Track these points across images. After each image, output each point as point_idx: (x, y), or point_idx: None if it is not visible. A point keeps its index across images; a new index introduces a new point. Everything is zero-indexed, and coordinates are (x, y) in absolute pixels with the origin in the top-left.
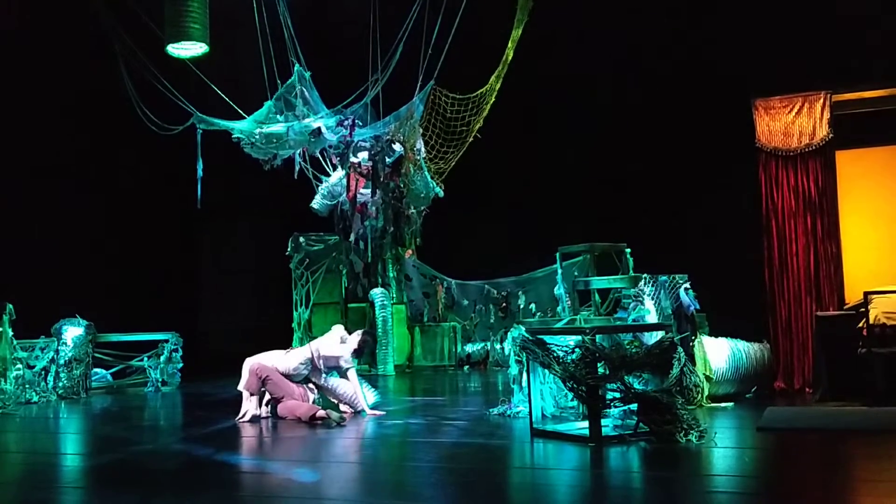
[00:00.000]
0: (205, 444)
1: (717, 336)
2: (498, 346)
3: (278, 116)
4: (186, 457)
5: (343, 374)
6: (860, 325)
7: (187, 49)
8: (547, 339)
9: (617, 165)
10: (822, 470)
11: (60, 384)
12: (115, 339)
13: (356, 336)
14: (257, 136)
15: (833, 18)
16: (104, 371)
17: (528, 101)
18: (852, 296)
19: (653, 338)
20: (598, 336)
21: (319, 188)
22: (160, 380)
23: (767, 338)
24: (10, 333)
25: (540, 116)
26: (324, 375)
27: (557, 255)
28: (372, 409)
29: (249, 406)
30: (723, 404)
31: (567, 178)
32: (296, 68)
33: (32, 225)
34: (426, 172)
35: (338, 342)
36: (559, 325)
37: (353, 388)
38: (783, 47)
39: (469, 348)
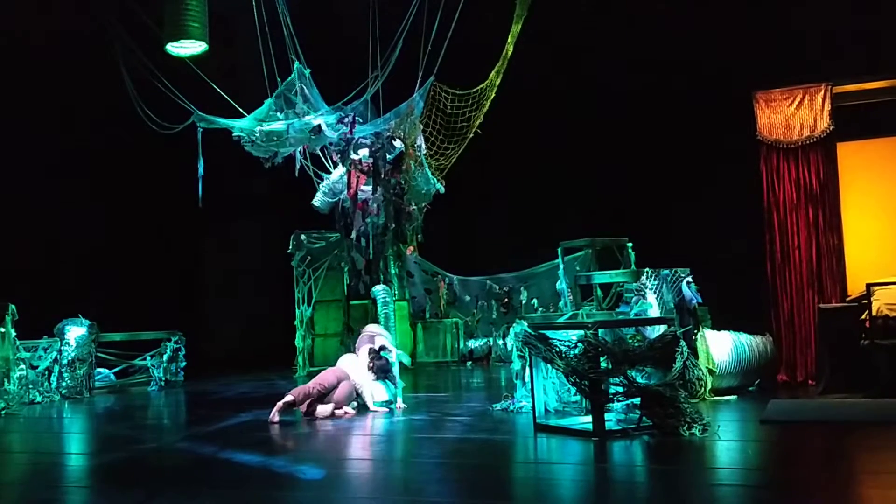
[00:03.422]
0: (208, 442)
1: (719, 329)
2: (500, 342)
3: (278, 114)
4: (190, 455)
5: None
6: (863, 316)
7: (187, 48)
8: (549, 333)
9: (618, 159)
10: (825, 462)
11: (64, 384)
12: (118, 339)
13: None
14: (258, 134)
15: (833, 9)
16: (107, 370)
17: (528, 96)
18: (855, 288)
19: (655, 332)
20: (600, 330)
21: (320, 185)
22: (163, 379)
23: (770, 330)
24: (13, 334)
25: (540, 112)
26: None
27: (559, 249)
28: (379, 406)
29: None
30: (726, 397)
31: (568, 172)
32: (295, 66)
33: (34, 225)
34: (427, 169)
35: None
36: (561, 320)
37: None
38: (783, 39)
39: (471, 344)
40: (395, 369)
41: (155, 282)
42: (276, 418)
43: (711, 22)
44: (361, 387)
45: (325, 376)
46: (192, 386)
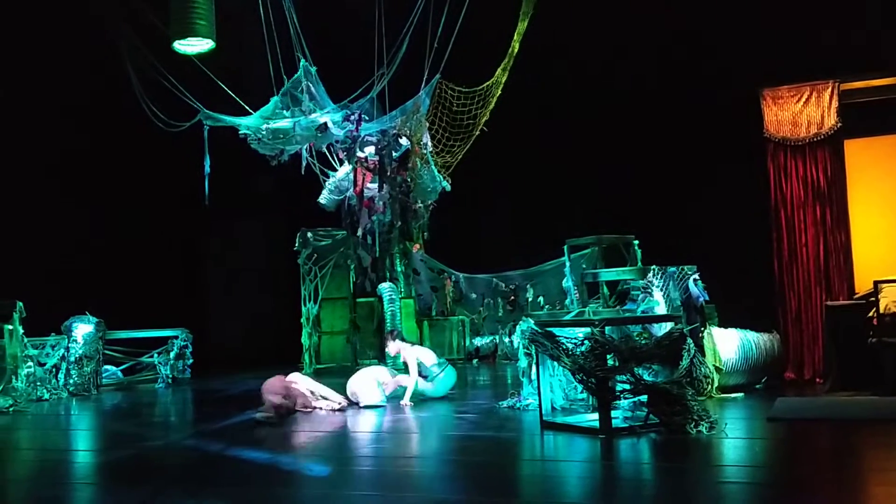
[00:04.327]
0: (215, 439)
1: (726, 327)
2: (507, 340)
3: (284, 112)
4: (197, 452)
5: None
6: (870, 314)
7: (193, 45)
8: (556, 331)
9: (624, 157)
10: (832, 459)
11: (71, 381)
12: (125, 336)
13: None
14: (264, 132)
15: (840, 6)
16: (114, 368)
17: (534, 94)
18: (862, 285)
19: (662, 329)
20: (607, 328)
21: (326, 183)
22: (170, 376)
23: (777, 328)
24: (21, 331)
25: (546, 109)
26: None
27: (565, 247)
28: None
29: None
30: (733, 395)
31: (574, 170)
32: (301, 63)
33: (41, 223)
34: (433, 166)
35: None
36: (568, 317)
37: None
38: (790, 36)
39: (478, 342)
40: (410, 366)
41: (161, 279)
42: (270, 413)
43: (718, 19)
44: (356, 394)
45: (266, 399)
46: (198, 383)
